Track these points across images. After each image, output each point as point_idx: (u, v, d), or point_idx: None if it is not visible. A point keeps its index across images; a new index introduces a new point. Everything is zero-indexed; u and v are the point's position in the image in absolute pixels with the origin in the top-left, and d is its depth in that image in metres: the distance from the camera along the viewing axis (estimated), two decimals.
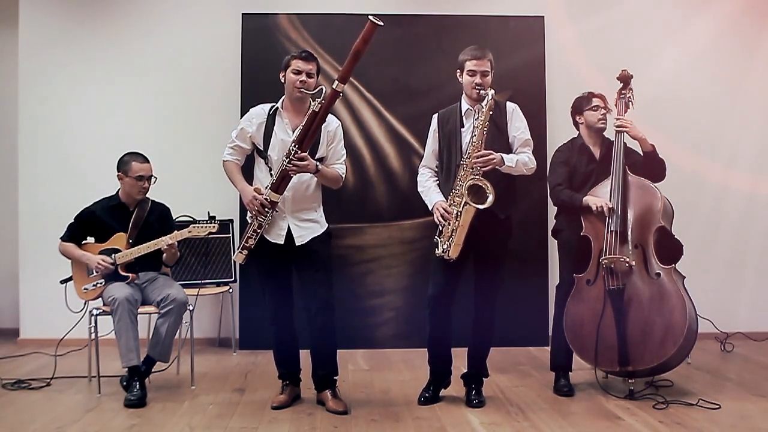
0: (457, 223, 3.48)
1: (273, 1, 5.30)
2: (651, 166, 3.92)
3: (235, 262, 3.61)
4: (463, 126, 3.63)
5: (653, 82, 5.19)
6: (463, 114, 3.65)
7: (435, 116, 3.77)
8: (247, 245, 3.52)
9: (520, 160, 3.56)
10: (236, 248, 4.97)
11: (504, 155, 3.52)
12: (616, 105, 4.04)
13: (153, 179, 4.04)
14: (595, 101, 3.97)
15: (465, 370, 3.81)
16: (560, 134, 4.61)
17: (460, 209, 3.47)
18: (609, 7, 5.43)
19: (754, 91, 5.47)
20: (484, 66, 3.56)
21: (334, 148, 3.65)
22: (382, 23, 3.39)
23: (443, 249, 3.51)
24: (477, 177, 3.45)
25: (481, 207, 3.43)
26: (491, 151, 3.47)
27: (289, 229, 3.56)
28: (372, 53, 5.20)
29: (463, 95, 3.68)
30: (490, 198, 3.42)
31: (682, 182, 4.74)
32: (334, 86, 3.42)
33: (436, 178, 3.73)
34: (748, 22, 5.46)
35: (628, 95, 4.03)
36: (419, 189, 3.75)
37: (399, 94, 5.20)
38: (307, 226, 3.60)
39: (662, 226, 3.80)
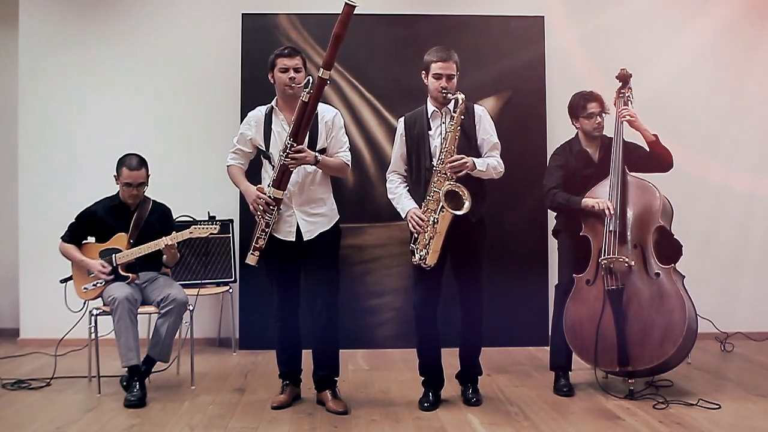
0: (434, 230, 3.47)
1: (273, 1, 5.30)
2: (657, 155, 3.91)
3: (244, 263, 3.58)
4: (430, 129, 3.62)
5: (653, 82, 5.18)
6: (429, 117, 3.63)
7: (401, 120, 3.74)
8: (258, 246, 3.51)
9: (490, 164, 3.57)
10: (237, 248, 5.08)
11: (475, 159, 3.52)
12: (615, 104, 4.04)
13: (144, 185, 3.98)
14: (591, 108, 3.91)
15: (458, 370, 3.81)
16: (560, 134, 4.61)
17: (437, 216, 3.46)
18: (609, 7, 5.43)
19: (754, 91, 5.47)
20: (449, 69, 3.53)
21: (335, 137, 3.64)
22: (357, 4, 3.34)
23: (420, 257, 3.50)
24: (453, 183, 3.45)
25: (458, 213, 3.43)
26: (464, 156, 3.46)
27: (298, 224, 3.56)
28: (372, 53, 5.25)
29: (429, 97, 3.66)
30: (467, 204, 3.42)
31: (682, 182, 4.74)
32: (320, 74, 3.40)
33: (406, 184, 3.72)
34: (747, 23, 5.46)
35: (627, 94, 4.02)
36: (389, 196, 3.73)
37: (399, 94, 5.19)
38: (315, 220, 3.60)
39: (662, 226, 3.79)
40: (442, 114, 3.60)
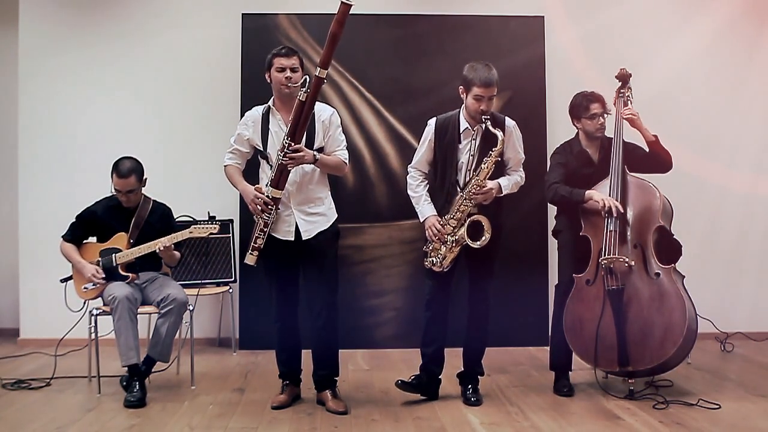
0: (449, 248, 3.56)
1: (273, 1, 5.31)
2: (657, 156, 3.92)
3: (244, 263, 3.59)
4: (460, 142, 3.63)
5: (653, 82, 5.18)
6: (461, 132, 3.64)
7: (432, 123, 3.73)
8: (256, 245, 3.51)
9: (513, 182, 3.66)
10: (237, 248, 5.08)
11: (501, 183, 3.59)
12: (614, 104, 4.04)
13: (134, 192, 3.95)
14: (593, 109, 3.91)
15: (461, 369, 3.82)
16: (560, 134, 4.61)
17: (455, 238, 3.54)
18: (609, 7, 5.43)
19: (754, 91, 5.46)
20: (492, 92, 3.52)
21: (332, 136, 3.63)
22: (353, 3, 3.35)
23: (433, 262, 3.60)
24: (478, 213, 3.53)
25: (476, 245, 3.51)
26: (491, 187, 3.53)
27: (296, 224, 3.57)
28: (372, 53, 5.25)
29: (463, 111, 3.65)
30: (486, 237, 3.51)
31: (682, 182, 4.74)
32: (317, 73, 3.39)
33: (427, 182, 3.75)
34: (747, 23, 5.46)
35: (626, 94, 4.03)
36: (410, 193, 3.76)
37: (399, 94, 5.20)
38: (313, 219, 3.60)
39: (661, 226, 3.79)
40: (474, 131, 3.61)
